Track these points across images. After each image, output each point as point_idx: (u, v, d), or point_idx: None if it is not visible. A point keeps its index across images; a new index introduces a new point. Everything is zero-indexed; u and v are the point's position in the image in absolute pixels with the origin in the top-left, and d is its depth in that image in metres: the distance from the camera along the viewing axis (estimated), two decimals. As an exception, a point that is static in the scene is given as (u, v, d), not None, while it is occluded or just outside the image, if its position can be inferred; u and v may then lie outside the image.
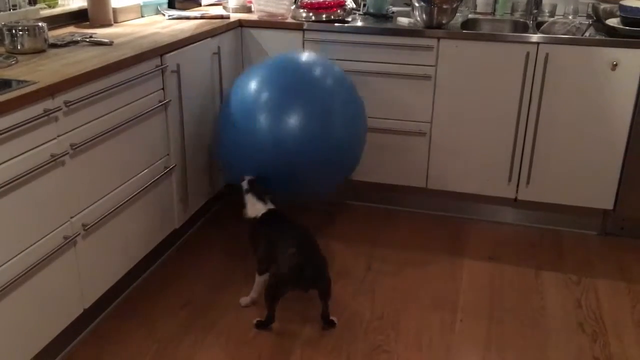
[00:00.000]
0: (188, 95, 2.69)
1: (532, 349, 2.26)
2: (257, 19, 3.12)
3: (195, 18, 3.07)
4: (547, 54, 2.77)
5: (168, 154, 2.60)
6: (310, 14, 3.04)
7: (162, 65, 2.48)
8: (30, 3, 2.65)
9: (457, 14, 3.01)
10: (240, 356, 2.21)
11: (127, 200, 2.33)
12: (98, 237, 2.22)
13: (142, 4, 3.10)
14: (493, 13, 3.29)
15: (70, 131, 2.02)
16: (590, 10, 3.10)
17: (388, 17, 3.16)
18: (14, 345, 1.90)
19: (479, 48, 2.85)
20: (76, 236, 2.09)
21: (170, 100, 2.55)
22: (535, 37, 2.78)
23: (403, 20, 3.01)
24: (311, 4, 3.04)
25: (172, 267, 2.74)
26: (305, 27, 3.02)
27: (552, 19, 3.09)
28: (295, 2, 3.15)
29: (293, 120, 2.49)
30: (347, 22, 3.05)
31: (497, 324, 2.39)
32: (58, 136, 1.97)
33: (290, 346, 2.26)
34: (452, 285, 2.63)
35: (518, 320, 2.42)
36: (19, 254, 1.87)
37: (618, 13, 2.83)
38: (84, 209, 2.13)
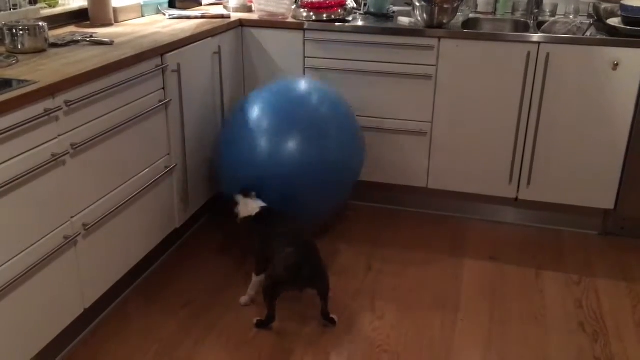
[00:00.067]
0: (188, 95, 2.68)
1: (532, 349, 2.26)
2: (258, 19, 3.11)
3: (196, 18, 3.06)
4: (548, 54, 2.77)
5: (168, 154, 2.60)
6: (311, 14, 3.04)
7: (162, 64, 2.48)
8: (30, 3, 2.65)
9: (458, 14, 3.01)
10: (241, 356, 2.21)
11: (127, 200, 2.33)
12: (98, 237, 2.22)
13: (142, 3, 3.10)
14: (494, 13, 3.28)
15: (70, 131, 2.01)
16: (591, 10, 3.10)
17: (389, 17, 3.16)
18: (15, 345, 1.90)
19: (479, 48, 2.84)
20: (77, 236, 2.09)
21: (170, 100, 2.55)
22: (536, 37, 2.78)
23: (404, 20, 3.01)
24: (312, 3, 3.04)
25: (172, 267, 2.74)
26: (305, 26, 3.02)
27: (553, 18, 3.09)
28: (295, 2, 3.15)
29: (292, 145, 2.56)
30: (348, 21, 3.04)
31: (498, 324, 2.39)
32: (59, 136, 1.97)
33: (290, 346, 2.26)
34: (452, 285, 2.63)
35: (519, 320, 2.42)
36: (19, 253, 1.87)
37: (619, 13, 2.83)
38: (85, 209, 2.13)
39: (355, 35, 2.98)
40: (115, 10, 2.90)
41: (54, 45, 2.38)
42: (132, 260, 2.46)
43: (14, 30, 2.24)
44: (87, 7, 2.86)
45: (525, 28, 3.11)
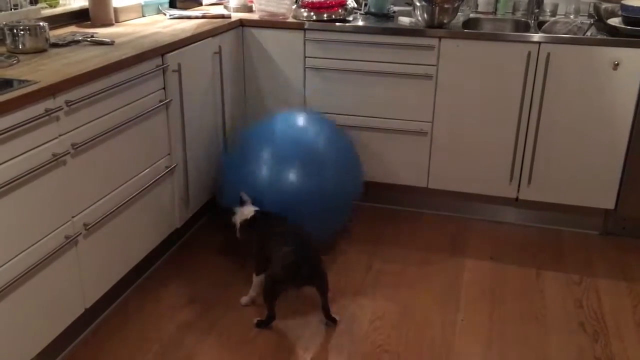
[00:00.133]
0: (189, 95, 2.69)
1: (533, 349, 2.26)
2: (258, 19, 3.11)
3: (197, 17, 3.06)
4: (548, 54, 2.77)
5: (169, 154, 2.61)
6: (312, 14, 3.04)
7: (163, 64, 2.48)
8: (31, 3, 2.65)
9: (459, 14, 3.01)
10: (241, 356, 2.21)
11: (128, 200, 2.33)
12: (99, 237, 2.22)
13: (143, 3, 3.10)
14: (494, 12, 3.28)
15: (71, 131, 2.02)
16: (591, 10, 3.10)
17: (389, 17, 3.16)
18: (16, 345, 1.90)
19: (480, 47, 2.84)
20: (77, 236, 2.09)
21: (171, 100, 2.55)
22: (536, 37, 2.78)
23: (404, 20, 3.01)
24: (312, 3, 3.04)
25: (173, 267, 2.74)
26: (306, 26, 3.02)
27: (553, 18, 3.09)
28: (296, 2, 3.15)
29: (292, 175, 2.63)
30: (348, 21, 3.04)
31: (498, 324, 2.39)
32: (59, 136, 1.97)
33: (291, 346, 2.26)
34: (453, 285, 2.63)
35: (519, 320, 2.42)
36: (20, 253, 1.87)
37: (619, 12, 2.83)
38: (86, 209, 2.13)
39: (355, 35, 2.98)
40: (115, 10, 2.90)
41: (55, 45, 2.38)
42: (132, 260, 2.46)
43: (15, 30, 2.24)
44: (87, 7, 2.86)
45: (526, 28, 3.11)
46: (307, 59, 3.08)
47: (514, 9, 3.28)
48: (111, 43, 2.44)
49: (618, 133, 2.81)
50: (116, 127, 2.22)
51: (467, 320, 2.41)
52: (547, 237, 3.03)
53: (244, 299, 2.48)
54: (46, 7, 2.74)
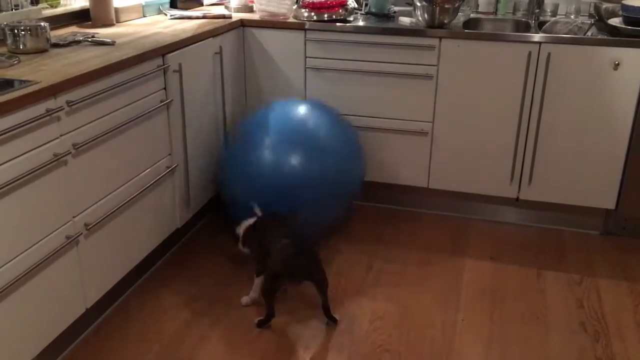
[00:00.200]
0: (190, 95, 2.69)
1: (533, 349, 2.26)
2: (259, 19, 3.12)
3: (197, 18, 3.07)
4: (549, 54, 2.77)
5: (170, 154, 2.61)
6: (312, 14, 3.04)
7: (164, 65, 2.49)
8: (32, 3, 2.65)
9: (459, 14, 3.01)
10: (242, 355, 2.21)
11: (129, 200, 2.33)
12: (100, 237, 2.22)
13: (144, 3, 3.11)
14: (495, 12, 3.28)
15: (72, 131, 2.02)
16: (592, 10, 3.10)
17: (390, 17, 3.16)
18: (17, 345, 1.90)
19: (480, 48, 2.85)
20: (78, 236, 2.10)
21: (172, 100, 2.55)
22: (537, 37, 2.78)
23: (405, 20, 3.01)
24: (313, 3, 3.04)
25: (174, 267, 2.74)
26: (307, 26, 3.02)
27: (554, 18, 3.09)
28: (297, 2, 3.15)
29: (293, 161, 2.63)
30: (349, 21, 3.05)
31: (499, 324, 2.39)
32: (60, 136, 1.97)
33: (292, 345, 2.26)
34: (453, 285, 2.63)
35: (520, 320, 2.42)
36: (21, 253, 1.87)
37: (620, 13, 2.83)
38: (87, 209, 2.13)
39: (356, 35, 2.98)
40: (116, 10, 2.91)
41: (56, 45, 2.38)
42: (133, 260, 2.46)
43: (16, 31, 2.24)
44: (88, 7, 2.87)
45: (527, 28, 3.11)
46: (307, 59, 3.08)
47: (515, 9, 3.28)
48: (112, 43, 2.45)
49: (619, 133, 2.81)
50: (117, 127, 2.22)
51: (468, 320, 2.41)
52: (547, 237, 3.03)
53: (245, 299, 2.48)
54: (47, 8, 2.74)
